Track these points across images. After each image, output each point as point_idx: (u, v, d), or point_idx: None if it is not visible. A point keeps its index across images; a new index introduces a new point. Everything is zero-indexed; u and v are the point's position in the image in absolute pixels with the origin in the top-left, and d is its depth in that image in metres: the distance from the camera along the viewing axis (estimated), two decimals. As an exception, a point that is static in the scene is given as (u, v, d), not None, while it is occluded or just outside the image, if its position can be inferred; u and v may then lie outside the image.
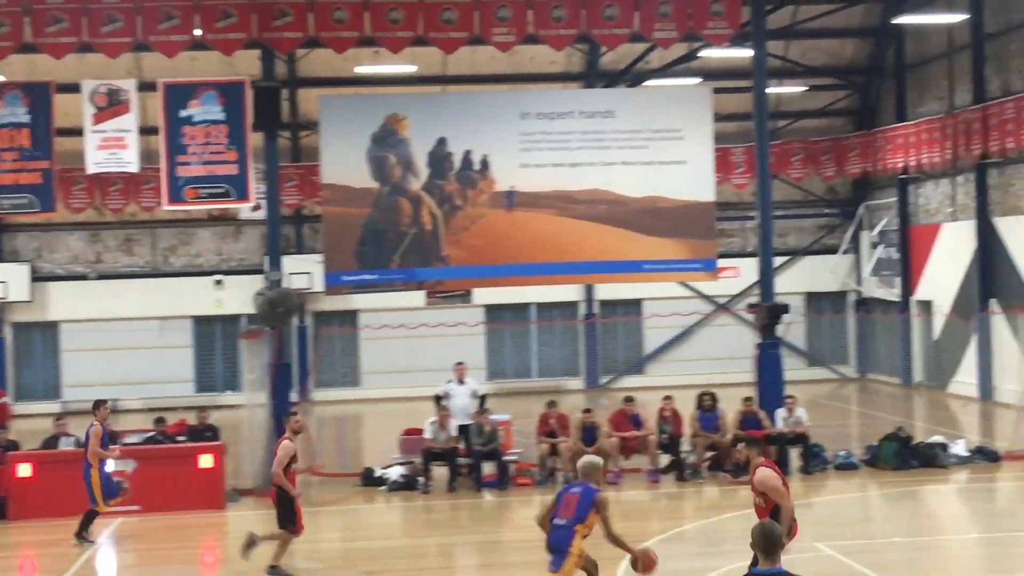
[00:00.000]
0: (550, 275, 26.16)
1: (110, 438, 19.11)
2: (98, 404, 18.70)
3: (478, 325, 37.48)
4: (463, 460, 22.31)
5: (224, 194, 24.27)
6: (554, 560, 12.13)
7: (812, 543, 16.83)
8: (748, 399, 22.95)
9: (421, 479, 21.93)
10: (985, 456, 22.90)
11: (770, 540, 7.99)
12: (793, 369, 34.03)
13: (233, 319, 36.50)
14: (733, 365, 33.69)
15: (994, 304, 31.37)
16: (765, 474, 12.53)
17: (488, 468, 22.28)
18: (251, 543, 15.81)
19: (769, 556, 7.97)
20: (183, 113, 23.83)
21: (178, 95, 23.90)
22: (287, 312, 24.17)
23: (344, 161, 24.11)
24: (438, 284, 26.40)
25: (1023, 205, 30.56)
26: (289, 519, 15.85)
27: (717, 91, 27.41)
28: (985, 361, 31.57)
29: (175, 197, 24.09)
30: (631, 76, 34.72)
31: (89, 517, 18.41)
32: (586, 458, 13.10)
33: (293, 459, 15.96)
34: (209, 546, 19.19)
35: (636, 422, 22.57)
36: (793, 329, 36.21)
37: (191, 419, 23.63)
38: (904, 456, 22.55)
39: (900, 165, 35.20)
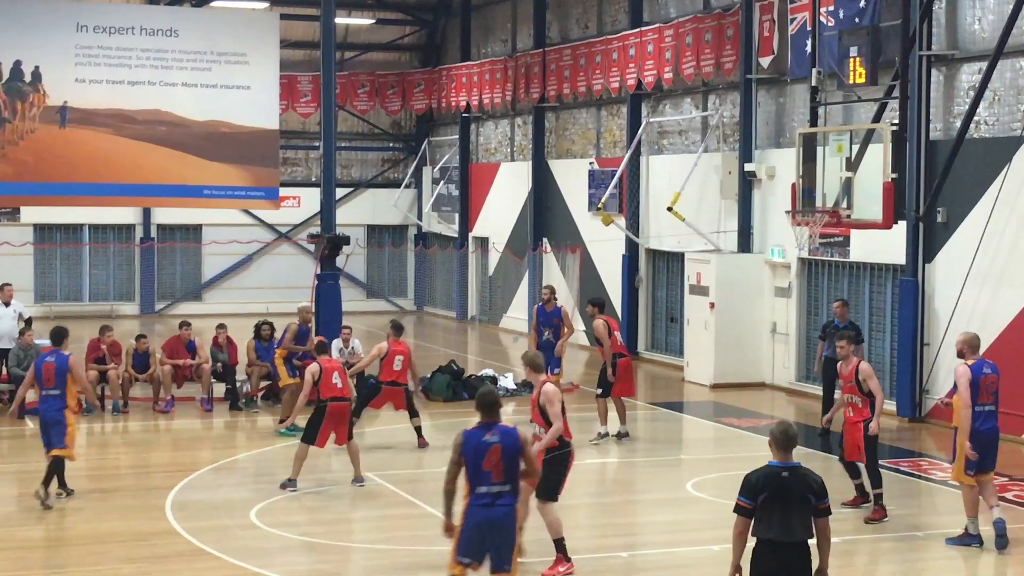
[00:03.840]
0: (105, 196, 25.26)
1: None
2: None
3: (25, 245, 35.72)
4: (5, 386, 21.21)
5: None
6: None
7: (365, 472, 17.01)
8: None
9: (-43, 406, 20.72)
10: (530, 389, 23.79)
11: (787, 437, 9.07)
12: (352, 300, 34.33)
13: None
14: (293, 295, 33.52)
15: (546, 243, 32.64)
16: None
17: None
18: None
19: (786, 452, 9.02)
20: None
21: None
22: None
23: None
24: (-18, 200, 24.96)
25: (575, 149, 31.89)
26: None
27: (285, 17, 27.15)
28: (535, 298, 32.81)
29: None
30: (198, -5, 33.78)
31: None
32: None
33: None
34: None
35: (191, 349, 22.12)
36: (353, 260, 36.44)
37: None
38: (455, 388, 23.14)
39: (463, 103, 35.98)
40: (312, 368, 16.25)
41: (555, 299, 21.36)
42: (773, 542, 8.92)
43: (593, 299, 20.51)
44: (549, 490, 12.27)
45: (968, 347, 13.64)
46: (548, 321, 21.02)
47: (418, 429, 18.94)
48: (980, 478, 13.51)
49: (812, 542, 9.07)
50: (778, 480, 8.98)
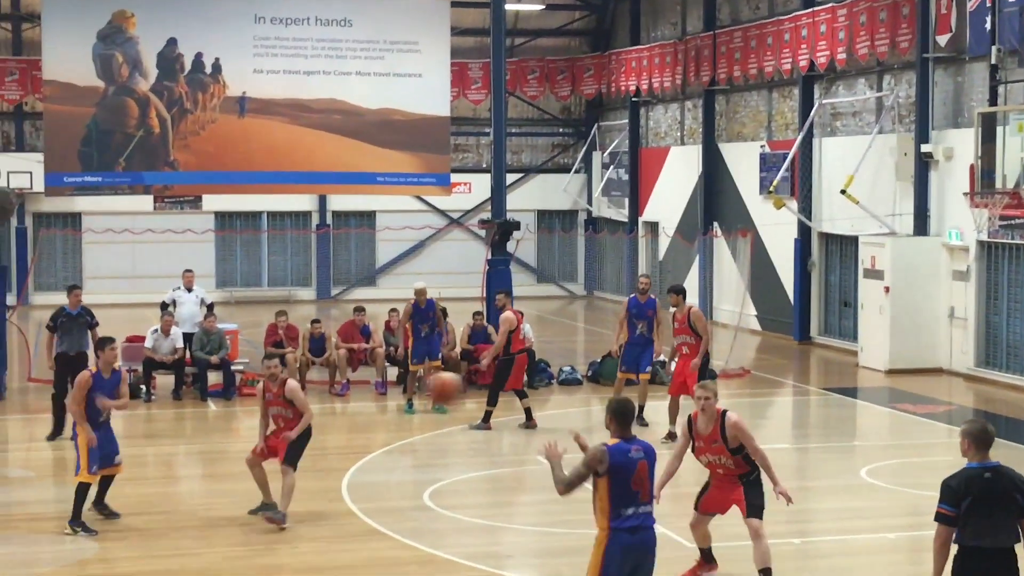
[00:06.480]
0: (282, 184, 25.84)
1: None
2: None
3: (207, 232, 36.75)
4: (188, 369, 21.90)
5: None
6: None
7: (535, 456, 17.16)
8: (478, 314, 23.17)
9: (143, 388, 21.40)
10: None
11: (987, 436, 8.54)
12: (523, 285, 34.55)
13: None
14: (464, 280, 33.87)
15: (716, 227, 32.41)
16: (293, 385, 13.73)
17: (214, 377, 21.94)
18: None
19: (985, 451, 8.49)
20: None
21: None
22: (2, 211, 23.14)
23: (68, 57, 23.22)
24: (166, 189, 25.78)
25: (746, 132, 31.58)
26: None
27: (455, 5, 27.38)
28: (706, 282, 32.64)
29: None
30: (371, -15, 34.28)
31: None
32: None
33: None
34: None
35: (365, 333, 22.52)
36: (524, 245, 36.64)
37: None
38: (626, 372, 23.11)
39: (632, 88, 35.90)
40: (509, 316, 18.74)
41: (650, 289, 19.46)
42: (979, 550, 8.35)
43: (675, 286, 18.55)
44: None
45: None
46: (642, 313, 19.10)
47: (527, 410, 19.04)
48: None
49: (1018, 547, 8.53)
50: (981, 482, 8.37)
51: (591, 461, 8.85)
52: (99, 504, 14.05)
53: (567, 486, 8.93)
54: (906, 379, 23.45)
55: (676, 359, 18.61)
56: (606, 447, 8.89)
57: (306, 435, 13.93)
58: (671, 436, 17.50)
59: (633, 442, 8.98)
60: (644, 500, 8.96)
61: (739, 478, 11.20)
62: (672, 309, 18.27)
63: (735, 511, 11.45)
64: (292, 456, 13.76)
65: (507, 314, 19.13)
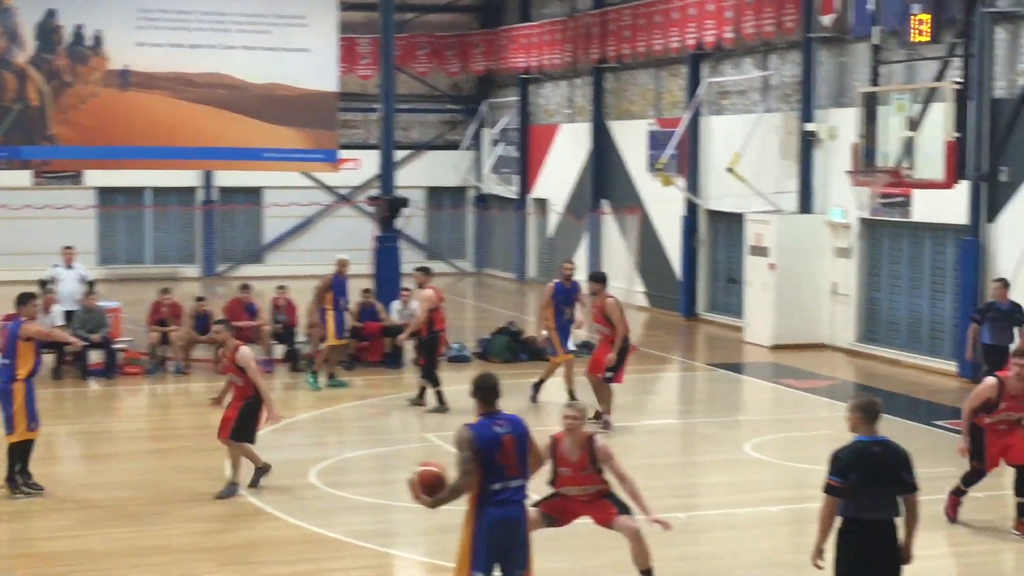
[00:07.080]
0: (166, 159, 25.41)
1: None
2: None
3: (88, 208, 36.05)
4: (69, 348, 21.48)
5: None
6: None
7: (422, 434, 17.14)
8: (366, 291, 23.08)
9: (23, 367, 20.93)
10: (588, 349, 23.74)
11: (875, 410, 8.67)
12: (412, 262, 34.34)
13: None
14: (353, 256, 33.49)
15: (605, 204, 32.55)
16: (245, 353, 13.93)
17: (95, 356, 21.56)
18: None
19: (873, 425, 8.65)
20: None
21: None
22: None
23: (-59, 28, 22.59)
24: (45, 164, 25.25)
25: (635, 110, 31.73)
26: None
27: (343, -21, 27.07)
28: (595, 259, 32.78)
29: None
30: (257, -42, 33.84)
31: None
32: None
33: None
34: None
35: (251, 311, 22.29)
36: (413, 222, 36.50)
37: None
38: (514, 349, 23.19)
39: (522, 65, 35.89)
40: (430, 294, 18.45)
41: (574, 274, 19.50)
42: (863, 522, 8.54)
43: (596, 274, 18.27)
44: None
45: None
46: (569, 299, 19.12)
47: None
48: None
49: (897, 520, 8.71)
50: (870, 456, 8.54)
51: (462, 444, 8.85)
52: (23, 474, 13.88)
53: (465, 480, 8.82)
54: (790, 354, 23.78)
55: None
56: (469, 427, 8.90)
57: (251, 409, 14.01)
58: (597, 416, 17.19)
59: (497, 417, 8.96)
60: (512, 474, 8.89)
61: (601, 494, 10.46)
62: (592, 296, 17.92)
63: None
64: (239, 433, 13.98)
65: (427, 291, 18.91)
